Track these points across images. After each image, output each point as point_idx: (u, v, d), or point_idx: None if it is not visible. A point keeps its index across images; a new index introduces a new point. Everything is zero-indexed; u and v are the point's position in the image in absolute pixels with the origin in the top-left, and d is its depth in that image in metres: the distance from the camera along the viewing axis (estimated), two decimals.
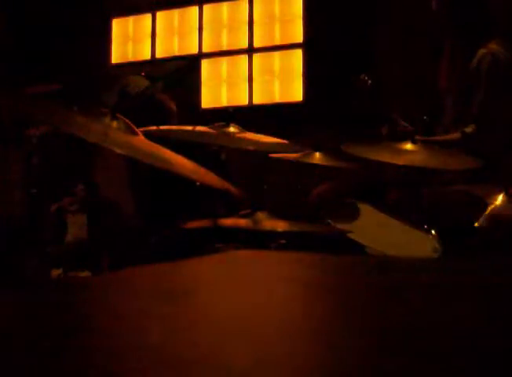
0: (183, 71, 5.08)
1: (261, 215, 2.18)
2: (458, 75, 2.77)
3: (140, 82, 3.31)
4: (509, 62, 2.64)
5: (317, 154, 2.47)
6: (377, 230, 2.26)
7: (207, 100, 5.07)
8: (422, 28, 3.72)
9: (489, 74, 2.61)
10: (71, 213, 3.46)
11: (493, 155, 2.35)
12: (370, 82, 2.73)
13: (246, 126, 2.16)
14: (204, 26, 5.13)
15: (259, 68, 4.96)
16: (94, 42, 5.34)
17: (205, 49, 5.13)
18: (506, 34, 2.75)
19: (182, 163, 1.43)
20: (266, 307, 0.58)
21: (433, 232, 2.22)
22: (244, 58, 4.99)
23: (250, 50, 4.98)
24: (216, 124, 2.10)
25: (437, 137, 2.69)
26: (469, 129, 2.61)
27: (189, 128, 2.19)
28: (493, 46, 2.65)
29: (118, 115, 1.44)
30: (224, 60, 5.08)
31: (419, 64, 3.99)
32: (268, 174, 3.80)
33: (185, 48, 5.20)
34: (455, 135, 2.64)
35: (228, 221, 2.21)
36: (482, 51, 2.63)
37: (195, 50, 5.15)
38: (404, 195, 2.78)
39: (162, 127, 2.13)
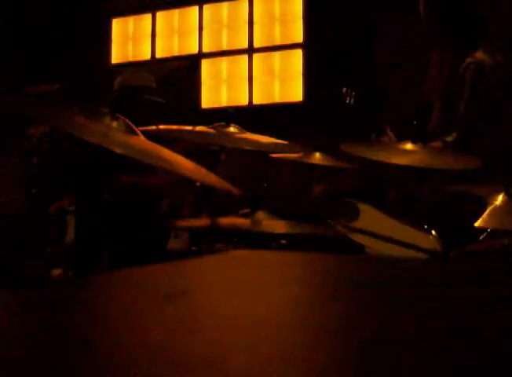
0: (183, 71, 5.08)
1: (261, 215, 2.18)
2: (445, 82, 2.78)
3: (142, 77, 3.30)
4: (495, 71, 2.64)
5: (317, 154, 2.47)
6: (377, 230, 2.26)
7: (207, 100, 5.07)
8: (414, 32, 3.73)
9: (473, 84, 2.62)
10: (71, 213, 3.46)
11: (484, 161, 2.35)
12: (353, 94, 2.74)
13: (246, 126, 2.16)
14: (204, 26, 5.13)
15: (259, 68, 4.96)
16: (94, 42, 5.33)
17: (205, 49, 5.13)
18: (494, 43, 2.75)
19: (182, 163, 1.43)
20: (266, 307, 0.58)
21: (433, 232, 2.22)
22: (244, 58, 4.99)
23: (250, 50, 4.98)
24: (216, 124, 2.10)
25: None
26: (449, 139, 2.61)
27: (189, 128, 2.19)
28: (479, 55, 2.64)
29: (118, 115, 1.44)
30: (224, 60, 5.08)
31: (413, 69, 4.00)
32: (268, 174, 3.80)
33: (185, 48, 5.20)
34: (437, 144, 2.64)
35: (228, 221, 2.21)
36: (468, 60, 2.64)
37: (195, 50, 5.15)
38: (404, 195, 2.78)
39: (161, 127, 2.13)
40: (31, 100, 1.69)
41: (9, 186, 3.84)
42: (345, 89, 2.74)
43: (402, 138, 2.32)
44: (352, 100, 2.72)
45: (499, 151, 2.59)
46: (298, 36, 4.80)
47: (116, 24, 5.44)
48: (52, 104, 1.57)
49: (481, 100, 2.63)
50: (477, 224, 1.94)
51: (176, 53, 5.23)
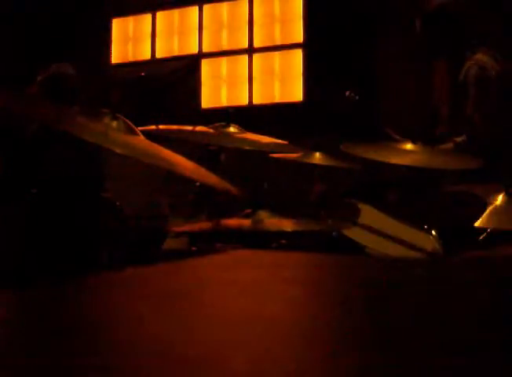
0: (183, 71, 5.08)
1: (261, 215, 2.18)
2: (449, 88, 2.82)
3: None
4: (496, 71, 2.68)
5: (317, 154, 2.47)
6: (377, 230, 2.26)
7: (207, 100, 5.08)
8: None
9: (477, 85, 2.66)
10: None
11: (488, 161, 2.37)
12: (357, 97, 2.75)
13: (246, 126, 2.16)
14: (204, 26, 5.14)
15: (259, 68, 4.96)
16: (94, 42, 5.33)
17: (205, 49, 5.13)
18: (493, 44, 2.79)
19: (182, 163, 1.43)
20: (266, 308, 0.58)
21: (433, 232, 2.22)
22: (244, 58, 5.00)
23: (250, 50, 4.98)
24: (216, 124, 2.10)
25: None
26: (459, 139, 2.65)
27: (189, 128, 2.19)
28: (479, 57, 2.69)
29: (118, 115, 1.45)
30: (224, 60, 5.08)
31: (415, 77, 4.02)
32: (268, 174, 3.80)
33: (185, 48, 5.20)
34: (448, 145, 2.68)
35: (229, 221, 2.21)
36: (469, 63, 2.68)
37: (195, 50, 5.15)
38: (403, 195, 2.78)
39: (161, 127, 2.13)
40: (30, 99, 1.69)
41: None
42: (348, 93, 2.74)
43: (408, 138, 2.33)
44: (357, 97, 2.72)
45: (500, 150, 2.61)
46: (298, 36, 4.80)
47: (116, 24, 5.44)
48: (51, 104, 1.57)
49: (486, 100, 2.66)
50: (477, 224, 1.94)
51: (176, 53, 5.23)
